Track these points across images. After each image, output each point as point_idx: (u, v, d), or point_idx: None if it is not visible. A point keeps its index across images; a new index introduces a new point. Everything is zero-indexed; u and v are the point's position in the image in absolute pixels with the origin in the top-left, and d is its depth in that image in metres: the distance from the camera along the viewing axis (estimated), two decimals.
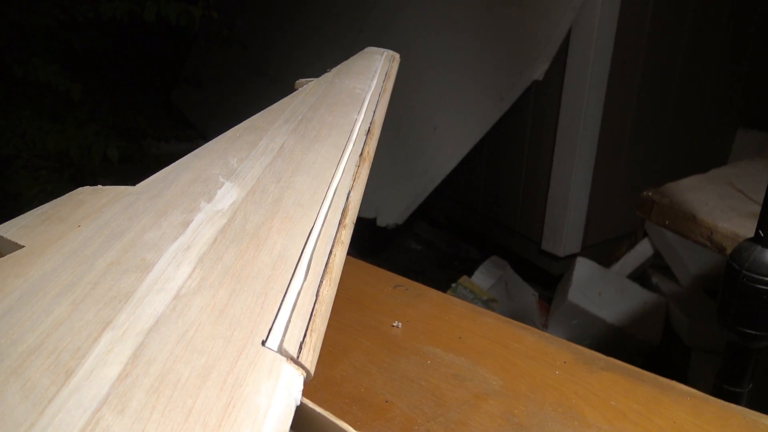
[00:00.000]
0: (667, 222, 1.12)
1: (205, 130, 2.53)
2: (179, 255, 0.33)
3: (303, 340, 0.28)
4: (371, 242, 2.21)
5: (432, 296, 0.68)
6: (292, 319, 0.29)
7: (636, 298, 1.70)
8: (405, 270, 2.17)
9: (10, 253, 0.35)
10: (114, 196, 0.41)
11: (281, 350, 0.27)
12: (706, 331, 1.52)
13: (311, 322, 0.29)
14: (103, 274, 0.31)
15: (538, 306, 1.83)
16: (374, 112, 0.54)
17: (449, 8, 2.00)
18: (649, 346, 1.62)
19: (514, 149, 2.04)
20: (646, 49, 1.83)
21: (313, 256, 0.34)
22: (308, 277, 0.32)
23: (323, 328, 0.30)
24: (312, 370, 0.27)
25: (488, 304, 1.75)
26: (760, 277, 0.69)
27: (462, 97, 1.96)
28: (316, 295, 0.31)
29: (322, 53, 2.38)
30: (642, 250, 1.89)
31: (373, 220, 2.05)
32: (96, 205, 0.40)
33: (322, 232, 0.36)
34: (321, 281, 0.33)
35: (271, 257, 0.33)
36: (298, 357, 0.27)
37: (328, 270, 0.34)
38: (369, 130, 0.51)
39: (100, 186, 0.43)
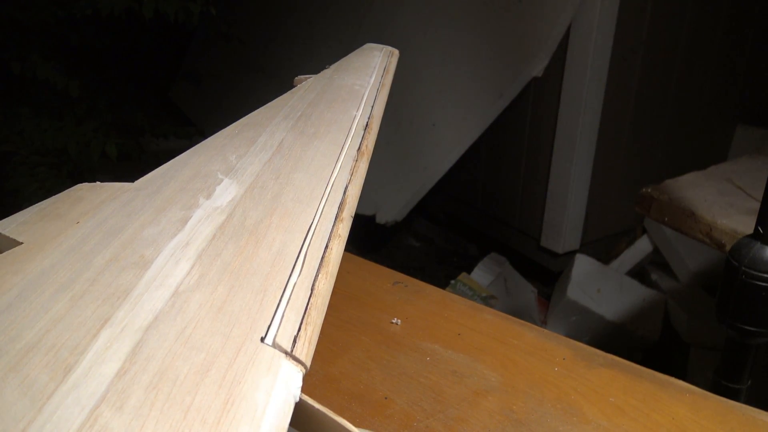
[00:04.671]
0: (666, 219, 1.12)
1: (203, 127, 2.52)
2: (178, 251, 0.33)
3: (297, 333, 0.28)
4: (370, 239, 2.21)
5: (431, 293, 0.68)
6: (285, 314, 0.29)
7: (635, 294, 1.70)
8: (404, 267, 2.17)
9: (8, 249, 0.35)
10: (112, 193, 0.41)
11: (276, 345, 0.27)
12: (705, 328, 1.52)
13: (306, 316, 0.29)
14: (101, 270, 0.31)
15: (537, 303, 1.83)
16: (372, 108, 0.54)
17: (448, 4, 2.00)
18: (648, 343, 1.62)
19: (513, 146, 2.04)
20: (645, 45, 1.83)
21: (309, 248, 0.34)
22: (303, 271, 0.32)
23: (319, 322, 0.30)
24: (308, 364, 0.27)
25: (487, 300, 1.75)
26: (759, 274, 0.69)
27: (461, 94, 1.96)
28: (312, 289, 0.31)
29: (321, 50, 2.37)
30: (641, 247, 1.89)
31: (372, 217, 2.05)
32: (94, 202, 0.39)
33: (318, 225, 0.36)
34: (317, 274, 0.32)
35: (270, 254, 0.33)
36: (292, 350, 0.27)
37: (324, 263, 0.33)
38: (367, 125, 0.50)
39: (98, 183, 0.43)
